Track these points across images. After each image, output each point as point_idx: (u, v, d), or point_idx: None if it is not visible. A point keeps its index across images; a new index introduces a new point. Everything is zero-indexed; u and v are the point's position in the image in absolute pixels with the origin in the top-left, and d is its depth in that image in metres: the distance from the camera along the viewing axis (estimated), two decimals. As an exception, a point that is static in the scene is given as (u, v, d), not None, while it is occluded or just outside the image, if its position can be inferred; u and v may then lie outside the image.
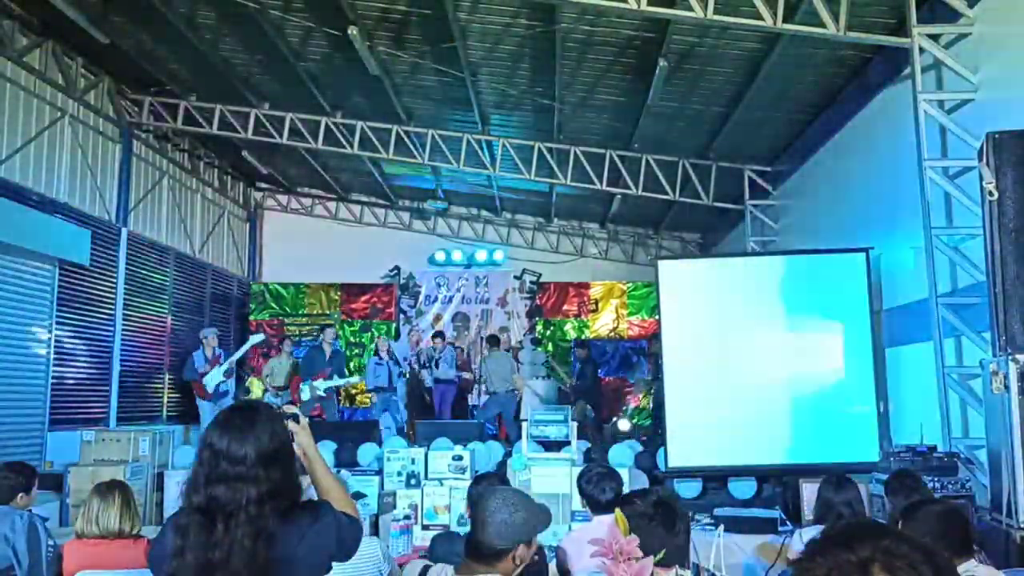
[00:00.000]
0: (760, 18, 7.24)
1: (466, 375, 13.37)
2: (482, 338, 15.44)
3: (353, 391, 14.92)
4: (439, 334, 13.73)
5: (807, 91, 9.61)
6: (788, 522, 6.55)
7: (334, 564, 2.50)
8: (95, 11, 9.37)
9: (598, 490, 4.36)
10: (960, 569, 3.05)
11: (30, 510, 4.80)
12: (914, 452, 6.32)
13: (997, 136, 4.86)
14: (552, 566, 4.42)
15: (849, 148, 9.29)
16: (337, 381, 11.93)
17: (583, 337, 15.89)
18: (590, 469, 4.68)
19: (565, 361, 14.85)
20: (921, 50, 6.94)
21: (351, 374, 12.95)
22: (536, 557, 4.26)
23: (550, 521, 2.83)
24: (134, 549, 3.96)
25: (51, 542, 4.52)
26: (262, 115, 12.22)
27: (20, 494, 4.85)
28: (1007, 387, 4.57)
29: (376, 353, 13.12)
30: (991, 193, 4.79)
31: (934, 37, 6.93)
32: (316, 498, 2.58)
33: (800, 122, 10.44)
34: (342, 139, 12.44)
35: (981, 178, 4.88)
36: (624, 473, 6.26)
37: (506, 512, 2.65)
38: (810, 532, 4.55)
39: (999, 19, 6.44)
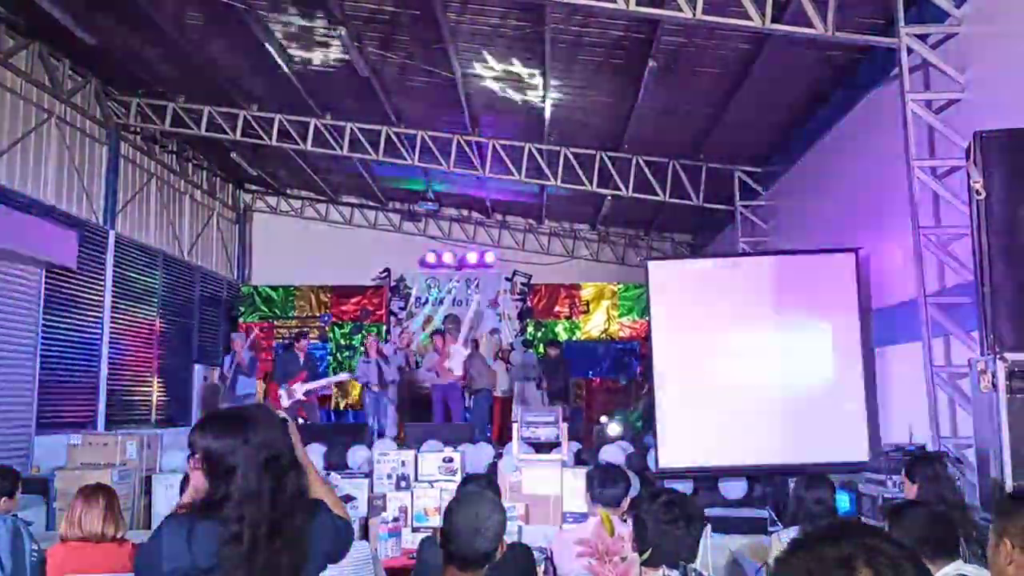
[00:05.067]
0: (748, 18, 7.25)
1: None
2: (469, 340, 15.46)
3: (340, 392, 14.86)
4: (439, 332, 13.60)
5: (796, 92, 9.62)
6: (778, 522, 6.55)
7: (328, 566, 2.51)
8: (82, 13, 9.32)
9: (604, 483, 4.33)
10: (949, 569, 3.05)
11: (14, 515, 4.76)
12: (903, 451, 6.33)
13: (984, 135, 4.86)
14: (540, 568, 4.40)
15: (838, 149, 9.30)
16: (316, 383, 11.93)
17: (572, 338, 15.90)
18: (601, 467, 4.72)
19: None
20: (909, 50, 6.94)
21: (339, 372, 12.92)
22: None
23: None
24: (118, 552, 3.93)
25: (35, 547, 4.47)
26: (251, 116, 12.18)
27: (3, 498, 4.82)
28: (995, 386, 4.56)
29: (365, 353, 13.11)
30: (978, 192, 4.79)
31: (922, 37, 6.94)
32: None
33: (789, 123, 10.45)
34: (331, 140, 12.41)
35: (969, 177, 4.88)
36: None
37: (496, 515, 2.68)
38: (789, 533, 4.55)
39: (986, 19, 6.45)
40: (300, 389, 11.48)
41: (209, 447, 2.33)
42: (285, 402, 11.34)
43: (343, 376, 13.48)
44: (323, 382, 12.43)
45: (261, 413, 2.45)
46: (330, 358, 15.94)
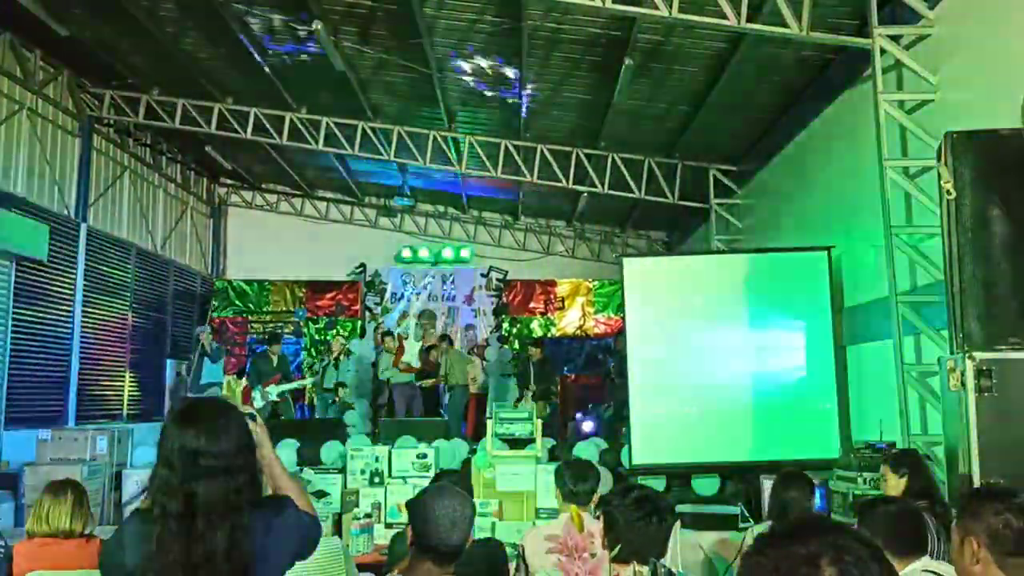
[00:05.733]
0: (724, 17, 7.28)
1: (427, 382, 13.13)
2: (447, 335, 15.43)
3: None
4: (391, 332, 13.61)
5: (771, 91, 9.67)
6: (749, 518, 6.58)
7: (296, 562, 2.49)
8: (54, 3, 9.20)
9: (575, 479, 4.34)
10: (916, 566, 3.07)
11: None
12: (873, 448, 6.39)
13: (955, 136, 4.89)
14: (512, 565, 4.40)
15: (811, 148, 9.37)
16: (289, 385, 11.92)
17: (548, 335, 15.90)
18: (572, 462, 4.73)
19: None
20: (882, 51, 7.00)
21: (307, 375, 12.91)
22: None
23: None
24: (86, 549, 3.88)
25: (1, 542, 4.41)
26: (226, 110, 12.08)
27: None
28: (964, 384, 4.60)
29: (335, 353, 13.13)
30: (949, 192, 4.82)
31: (895, 38, 7.00)
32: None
33: (764, 122, 10.51)
34: (307, 135, 12.34)
35: (940, 177, 4.92)
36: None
37: (469, 508, 2.69)
38: (761, 529, 4.57)
39: (958, 20, 6.52)
40: (274, 391, 11.47)
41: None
42: (259, 403, 11.32)
43: (307, 381, 13.38)
44: (295, 384, 12.40)
45: (203, 406, 2.39)
46: (304, 353, 15.85)
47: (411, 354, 12.76)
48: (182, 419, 2.33)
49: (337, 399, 12.56)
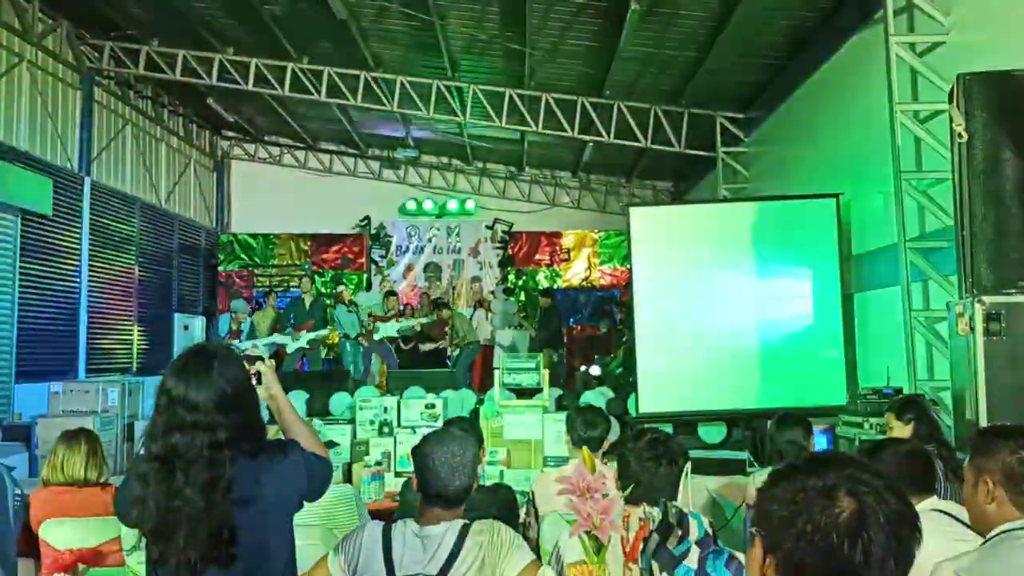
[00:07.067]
0: (732, -41, 7.15)
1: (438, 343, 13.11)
2: (453, 288, 15.45)
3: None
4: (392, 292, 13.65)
5: (779, 36, 9.52)
6: (755, 463, 6.64)
7: (305, 504, 2.53)
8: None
9: (586, 426, 4.38)
10: (925, 505, 3.09)
11: (-5, 460, 4.74)
12: (880, 394, 6.41)
13: (967, 78, 4.83)
14: (523, 510, 4.45)
15: (821, 94, 9.25)
16: (319, 333, 11.88)
17: (554, 286, 15.91)
18: (583, 408, 4.80)
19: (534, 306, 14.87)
20: (893, -8, 6.89)
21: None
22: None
23: None
24: (101, 496, 3.94)
25: (18, 491, 4.45)
26: (226, 61, 11.94)
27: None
28: (972, 328, 4.60)
29: (344, 302, 13.11)
30: (960, 135, 4.77)
31: (906, -22, 6.88)
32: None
33: (772, 68, 10.36)
34: (309, 85, 12.21)
35: (951, 120, 4.86)
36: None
37: (469, 451, 2.71)
38: (766, 473, 4.58)
39: (971, -40, 6.40)
40: (305, 338, 11.46)
41: None
42: (291, 349, 11.34)
43: (325, 332, 13.42)
44: (324, 332, 12.39)
45: (197, 356, 2.40)
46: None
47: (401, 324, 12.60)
48: (174, 367, 2.38)
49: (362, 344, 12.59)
